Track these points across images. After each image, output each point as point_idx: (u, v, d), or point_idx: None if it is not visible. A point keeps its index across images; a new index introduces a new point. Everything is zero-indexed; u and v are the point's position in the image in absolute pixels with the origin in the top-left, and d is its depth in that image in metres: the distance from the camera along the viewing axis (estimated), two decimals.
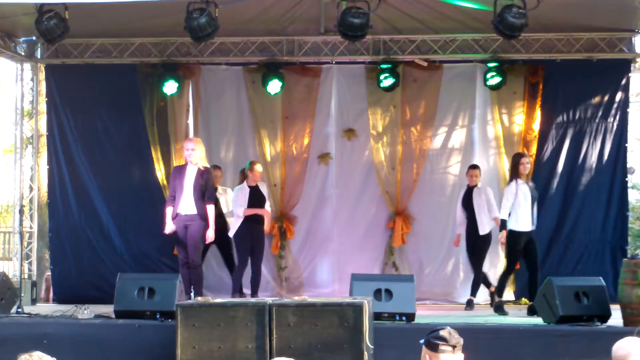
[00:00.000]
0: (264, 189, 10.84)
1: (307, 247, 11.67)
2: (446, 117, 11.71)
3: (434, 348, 4.06)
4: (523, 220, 9.86)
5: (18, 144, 12.14)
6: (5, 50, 11.36)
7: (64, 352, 6.75)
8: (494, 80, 11.33)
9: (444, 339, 4.06)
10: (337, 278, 11.13)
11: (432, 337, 4.08)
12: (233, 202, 10.80)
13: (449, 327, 4.14)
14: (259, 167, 10.82)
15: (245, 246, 10.66)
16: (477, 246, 10.59)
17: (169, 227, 9.58)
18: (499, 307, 9.86)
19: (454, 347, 4.05)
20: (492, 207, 10.58)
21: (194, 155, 9.56)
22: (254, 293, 10.59)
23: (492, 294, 10.42)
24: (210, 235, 9.61)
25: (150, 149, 11.68)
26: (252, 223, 10.60)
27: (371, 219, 11.73)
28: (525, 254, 9.96)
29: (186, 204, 9.52)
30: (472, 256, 10.69)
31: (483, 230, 10.53)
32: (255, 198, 10.65)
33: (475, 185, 10.68)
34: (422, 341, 4.13)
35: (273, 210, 11.69)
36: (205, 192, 9.54)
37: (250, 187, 10.66)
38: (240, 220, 10.58)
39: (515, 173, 9.95)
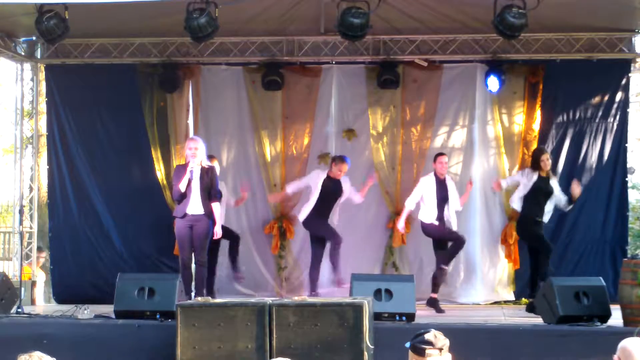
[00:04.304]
0: (346, 185, 10.69)
1: (307, 247, 11.61)
2: (446, 117, 11.69)
3: (420, 352, 4.02)
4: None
5: (18, 144, 12.12)
6: (5, 50, 11.35)
7: (64, 352, 6.72)
8: (494, 80, 11.32)
9: (430, 343, 4.02)
10: (337, 278, 11.11)
11: (418, 342, 4.05)
12: (304, 179, 10.82)
13: (433, 330, 4.11)
14: (343, 167, 10.58)
15: (317, 237, 10.60)
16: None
17: (186, 180, 9.40)
18: (532, 307, 9.78)
19: (440, 349, 4.02)
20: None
21: (197, 155, 9.53)
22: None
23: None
24: (218, 231, 9.64)
25: (150, 149, 11.67)
26: (322, 213, 10.57)
27: (371, 219, 11.72)
28: (531, 251, 9.98)
29: (194, 204, 9.48)
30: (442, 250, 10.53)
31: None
32: (330, 190, 10.57)
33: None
34: (407, 345, 4.10)
35: (272, 211, 11.69)
36: (211, 190, 9.54)
37: (330, 177, 10.56)
38: (310, 207, 10.53)
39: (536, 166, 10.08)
